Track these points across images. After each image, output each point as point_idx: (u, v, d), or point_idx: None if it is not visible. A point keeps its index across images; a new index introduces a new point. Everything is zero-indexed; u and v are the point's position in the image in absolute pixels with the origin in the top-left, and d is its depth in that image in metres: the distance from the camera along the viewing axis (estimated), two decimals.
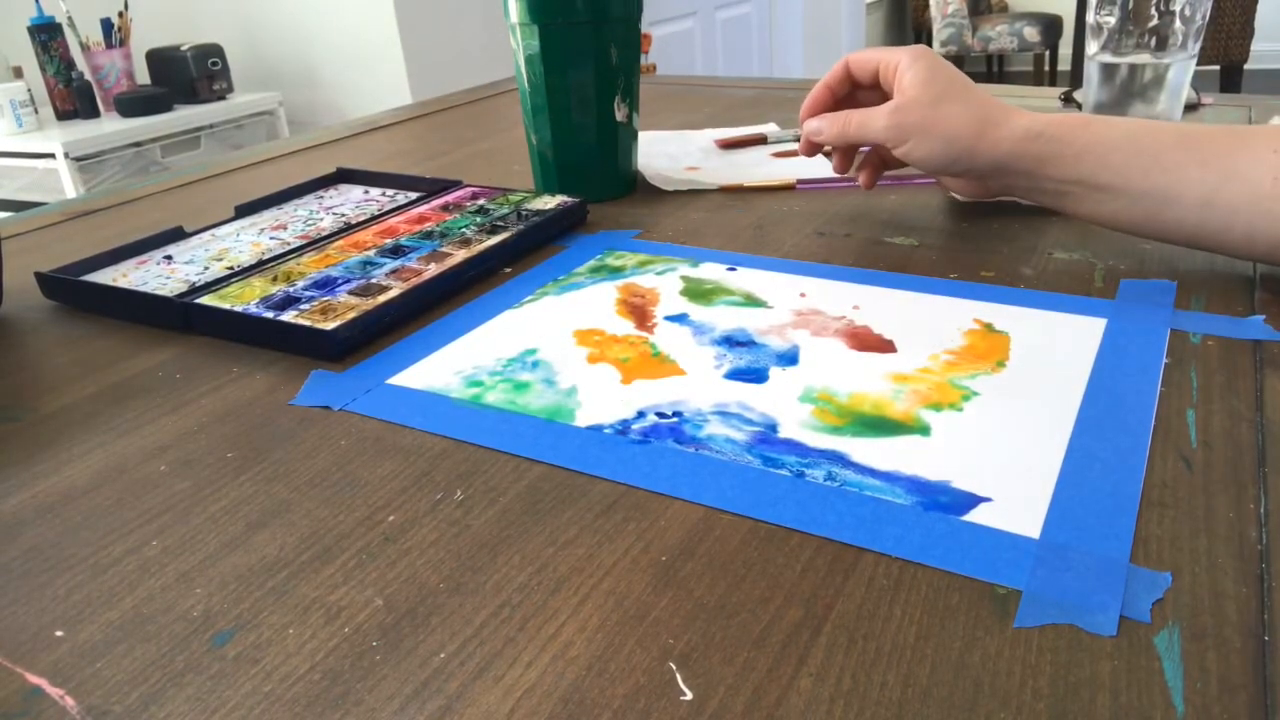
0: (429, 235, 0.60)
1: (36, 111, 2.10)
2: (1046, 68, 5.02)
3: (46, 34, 2.11)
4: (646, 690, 0.26)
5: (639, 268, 0.55)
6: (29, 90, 2.09)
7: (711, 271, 0.54)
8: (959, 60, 5.38)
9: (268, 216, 0.66)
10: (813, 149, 0.61)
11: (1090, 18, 0.67)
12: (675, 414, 0.39)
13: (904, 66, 0.54)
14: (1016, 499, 0.33)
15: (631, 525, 0.33)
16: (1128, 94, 0.66)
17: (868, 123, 0.55)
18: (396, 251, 0.58)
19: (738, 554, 0.31)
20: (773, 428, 0.38)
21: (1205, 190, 0.47)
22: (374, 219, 0.64)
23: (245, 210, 0.67)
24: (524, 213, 0.62)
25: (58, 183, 1.98)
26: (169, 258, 0.59)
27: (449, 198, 0.68)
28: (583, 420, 0.39)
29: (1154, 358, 0.41)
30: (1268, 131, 0.48)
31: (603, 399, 0.41)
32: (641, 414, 0.39)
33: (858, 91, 0.59)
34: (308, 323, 0.48)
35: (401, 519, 0.34)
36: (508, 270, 0.56)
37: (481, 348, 0.46)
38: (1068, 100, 0.84)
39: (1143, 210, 0.49)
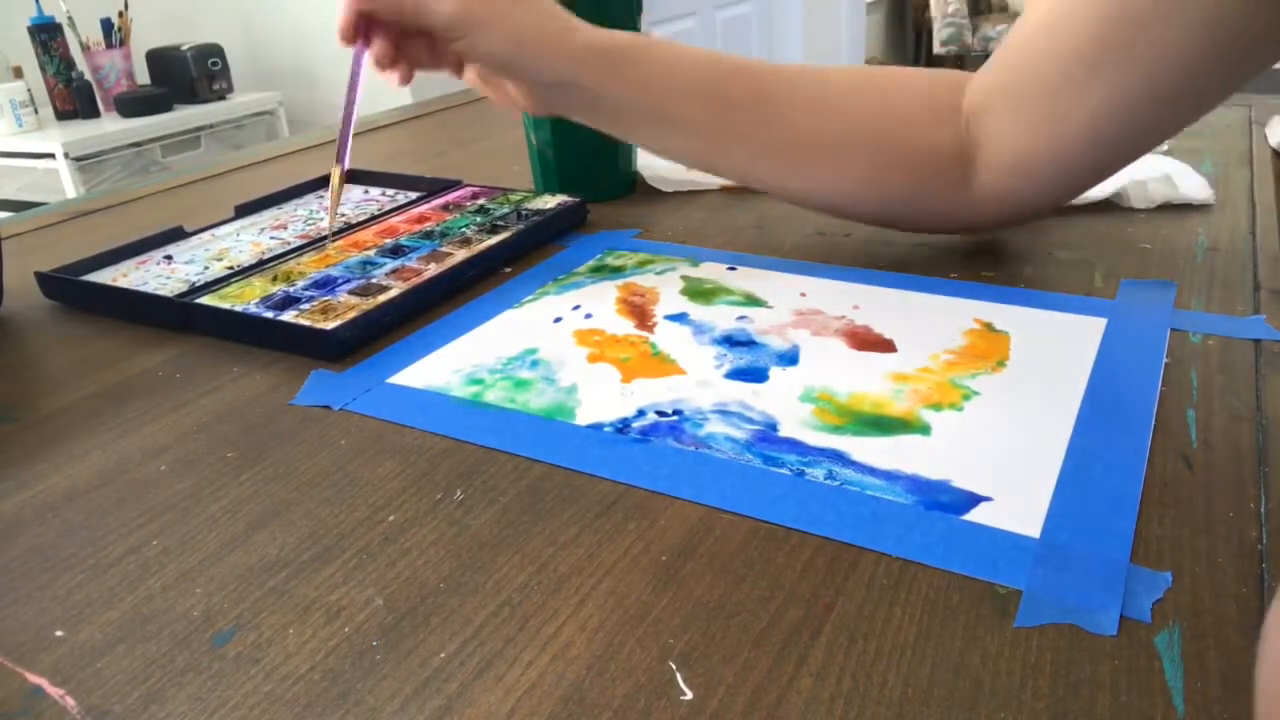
0: (429, 235, 0.60)
1: (36, 111, 2.10)
2: None
3: (46, 34, 2.11)
4: (647, 690, 0.26)
5: (639, 267, 0.55)
6: (29, 90, 2.09)
7: (712, 271, 0.54)
8: (959, 60, 5.39)
9: (268, 216, 0.66)
10: (355, 28, 0.50)
11: None
12: (675, 413, 0.39)
13: None
14: (1017, 498, 0.33)
15: (631, 525, 0.33)
16: None
17: (427, 4, 0.48)
18: (396, 251, 0.58)
19: (738, 554, 0.31)
20: (773, 426, 0.38)
21: (748, 131, 0.50)
22: (374, 219, 0.64)
23: (245, 210, 0.67)
24: (524, 212, 0.62)
25: (58, 183, 1.98)
26: (169, 258, 0.59)
27: (449, 197, 0.68)
28: (583, 419, 0.39)
29: (1154, 357, 0.41)
30: (813, 77, 0.51)
31: (603, 398, 0.41)
32: (641, 413, 0.39)
33: None
34: (308, 322, 0.48)
35: (401, 519, 0.34)
36: (508, 270, 0.56)
37: (482, 347, 0.46)
38: None
39: (699, 145, 0.52)
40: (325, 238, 0.60)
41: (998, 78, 0.48)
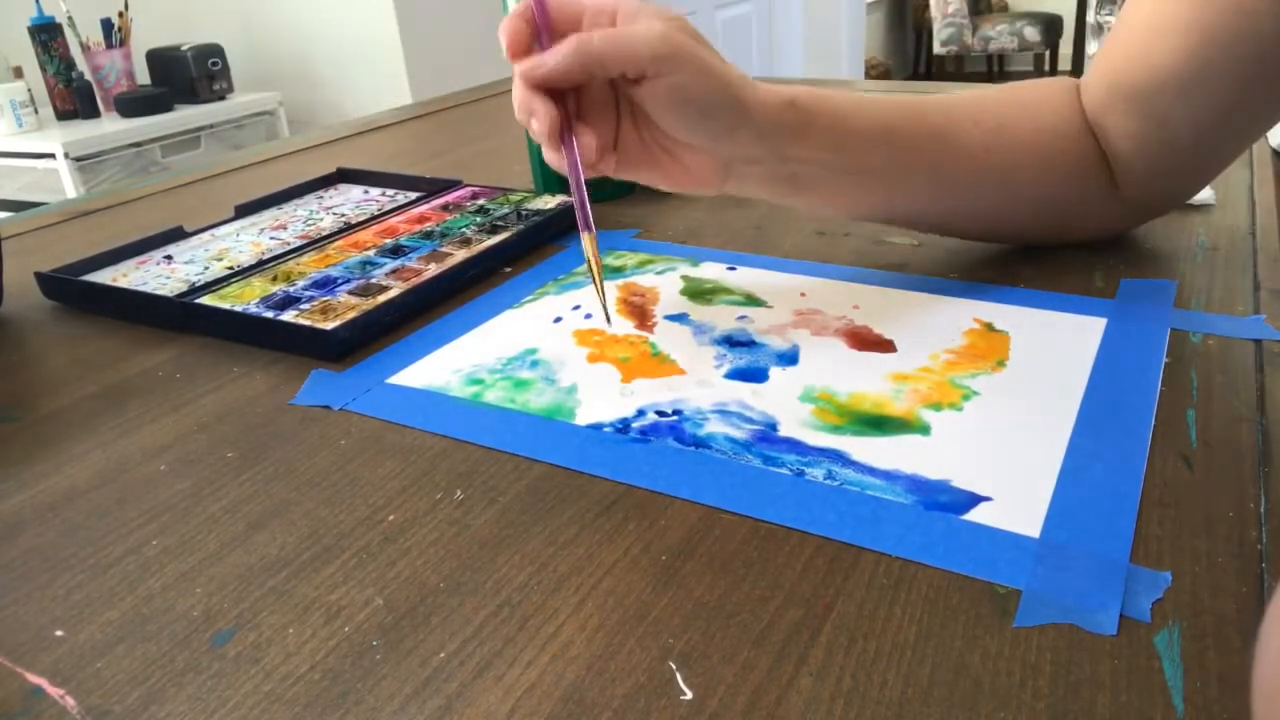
0: (429, 235, 0.60)
1: (36, 111, 2.10)
2: (1047, 67, 5.03)
3: (46, 34, 2.11)
4: (646, 690, 0.26)
5: (639, 267, 0.55)
6: (29, 90, 2.09)
7: (711, 271, 0.54)
8: (959, 60, 5.39)
9: (268, 216, 0.66)
10: (560, 129, 0.42)
11: (1090, 17, 0.67)
12: (675, 413, 0.39)
13: (633, 10, 0.43)
14: (1016, 498, 0.33)
15: (631, 525, 0.33)
16: None
17: (626, 39, 0.41)
18: (396, 251, 0.58)
19: (738, 553, 0.31)
20: (773, 426, 0.38)
21: (931, 165, 0.49)
22: (374, 219, 0.64)
23: (245, 210, 0.67)
24: (524, 213, 0.62)
25: (58, 183, 1.98)
26: (169, 258, 0.59)
27: (449, 198, 0.68)
28: (583, 419, 0.39)
29: (1154, 357, 0.41)
30: (964, 102, 0.50)
31: (603, 398, 0.41)
32: (641, 412, 0.39)
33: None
34: (308, 322, 0.48)
35: (401, 519, 0.34)
36: (508, 270, 0.56)
37: (481, 347, 0.46)
38: None
39: (882, 192, 0.49)
40: (329, 235, 0.60)
41: (1109, 86, 0.49)
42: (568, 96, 0.43)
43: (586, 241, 0.44)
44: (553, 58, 0.41)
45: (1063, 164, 0.50)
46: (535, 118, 0.42)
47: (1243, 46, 0.44)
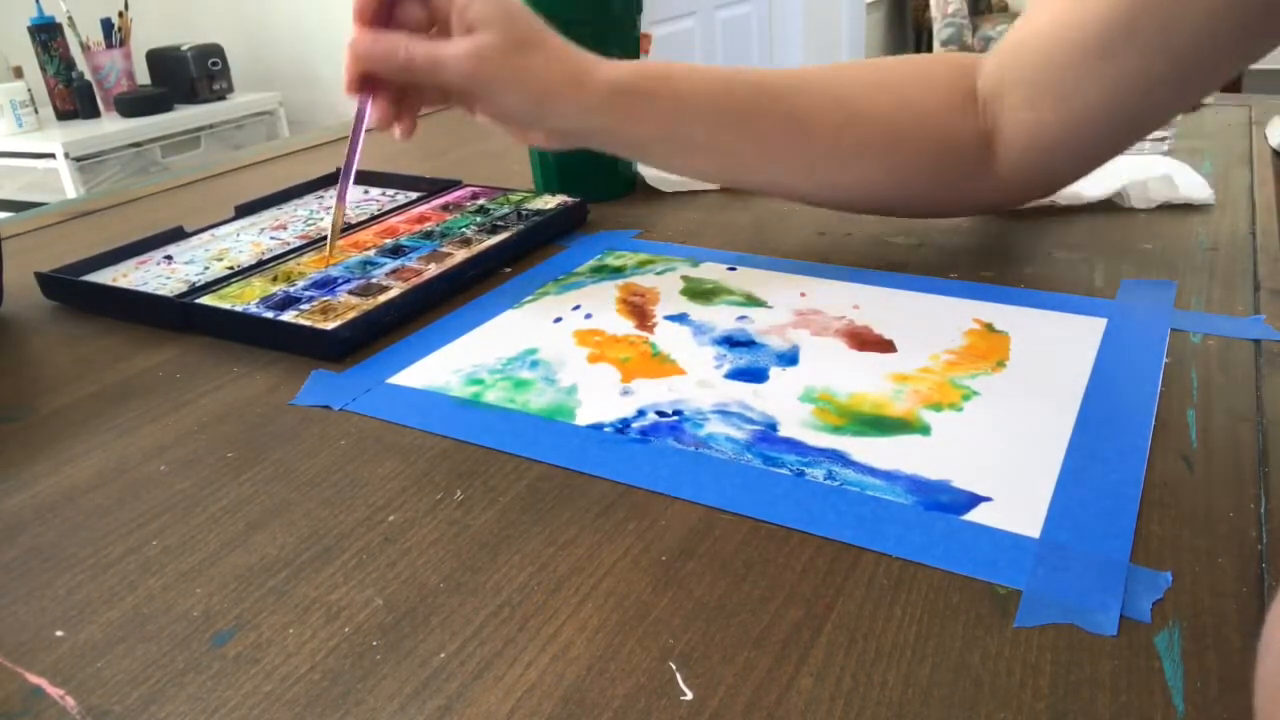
0: (429, 235, 0.60)
1: (36, 111, 2.10)
2: None
3: (46, 34, 2.11)
4: (647, 690, 0.26)
5: (639, 267, 0.55)
6: (29, 90, 2.09)
7: (712, 271, 0.54)
8: None
9: (268, 216, 0.66)
10: (362, 83, 0.48)
11: None
12: (675, 413, 0.39)
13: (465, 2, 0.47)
14: (1017, 498, 0.33)
15: (631, 525, 0.33)
16: None
17: (440, 63, 0.46)
18: (396, 251, 0.58)
19: (738, 554, 0.31)
20: (773, 427, 0.38)
21: (778, 145, 0.50)
22: (374, 219, 0.64)
23: (245, 210, 0.67)
24: (524, 212, 0.62)
25: (58, 182, 1.98)
26: (169, 258, 0.59)
27: (449, 197, 0.68)
28: (583, 419, 0.39)
29: (1154, 357, 0.41)
30: (829, 80, 0.51)
31: (603, 398, 0.41)
32: (641, 413, 0.39)
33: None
34: (308, 323, 0.48)
35: (401, 519, 0.34)
36: (508, 270, 0.56)
37: (482, 347, 0.46)
38: None
39: (724, 164, 0.52)
40: (324, 248, 0.60)
41: (1011, 62, 0.49)
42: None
43: (337, 211, 0.51)
44: (379, 60, 0.47)
45: (922, 144, 0.50)
46: (348, 67, 0.48)
47: (1168, 14, 0.42)
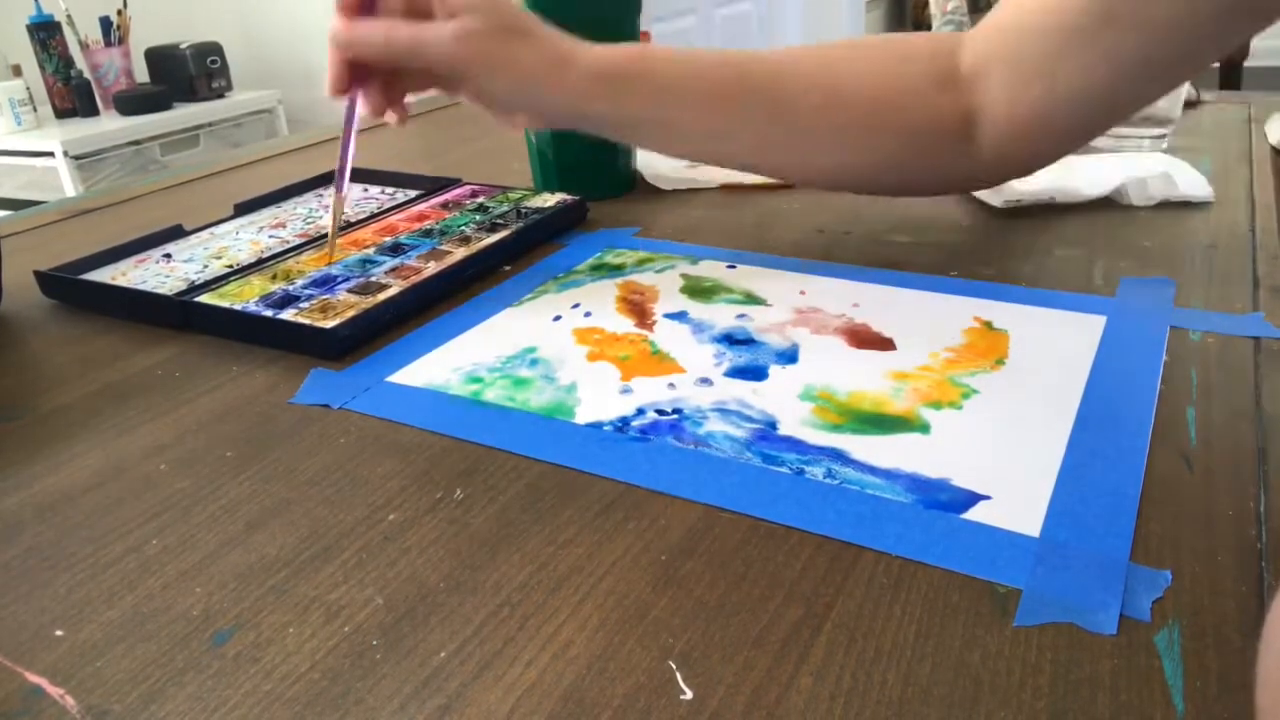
0: (428, 233, 0.60)
1: (35, 110, 2.10)
2: None
3: (45, 32, 2.11)
4: (646, 689, 0.26)
5: (639, 265, 0.55)
6: (28, 88, 2.08)
7: (711, 269, 0.54)
8: None
9: (267, 215, 0.66)
10: (347, 79, 0.48)
11: None
12: (675, 411, 0.39)
13: None
14: (1016, 497, 0.33)
15: (631, 524, 0.33)
16: None
17: (424, 44, 0.47)
18: (396, 249, 0.58)
19: (738, 552, 0.31)
20: (772, 425, 0.38)
21: (759, 125, 0.51)
22: (373, 217, 0.64)
23: (245, 208, 0.67)
24: (523, 211, 0.62)
25: (57, 181, 1.98)
26: (168, 256, 0.59)
27: (448, 196, 0.68)
28: (582, 417, 0.39)
29: (1154, 355, 0.41)
30: (809, 61, 0.51)
31: (602, 396, 0.41)
32: (641, 411, 0.39)
33: None
34: (307, 321, 0.48)
35: (401, 518, 0.34)
36: (507, 268, 0.56)
37: (481, 345, 0.46)
38: None
39: (708, 145, 0.53)
40: (324, 247, 0.60)
41: (993, 41, 0.49)
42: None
43: (335, 201, 0.51)
44: (363, 43, 0.47)
45: (902, 123, 0.50)
46: (330, 67, 0.48)
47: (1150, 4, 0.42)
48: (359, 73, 0.49)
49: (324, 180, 0.73)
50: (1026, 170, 0.54)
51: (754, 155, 0.54)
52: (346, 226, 0.62)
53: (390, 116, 0.51)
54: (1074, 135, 0.50)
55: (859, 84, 0.50)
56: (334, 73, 0.48)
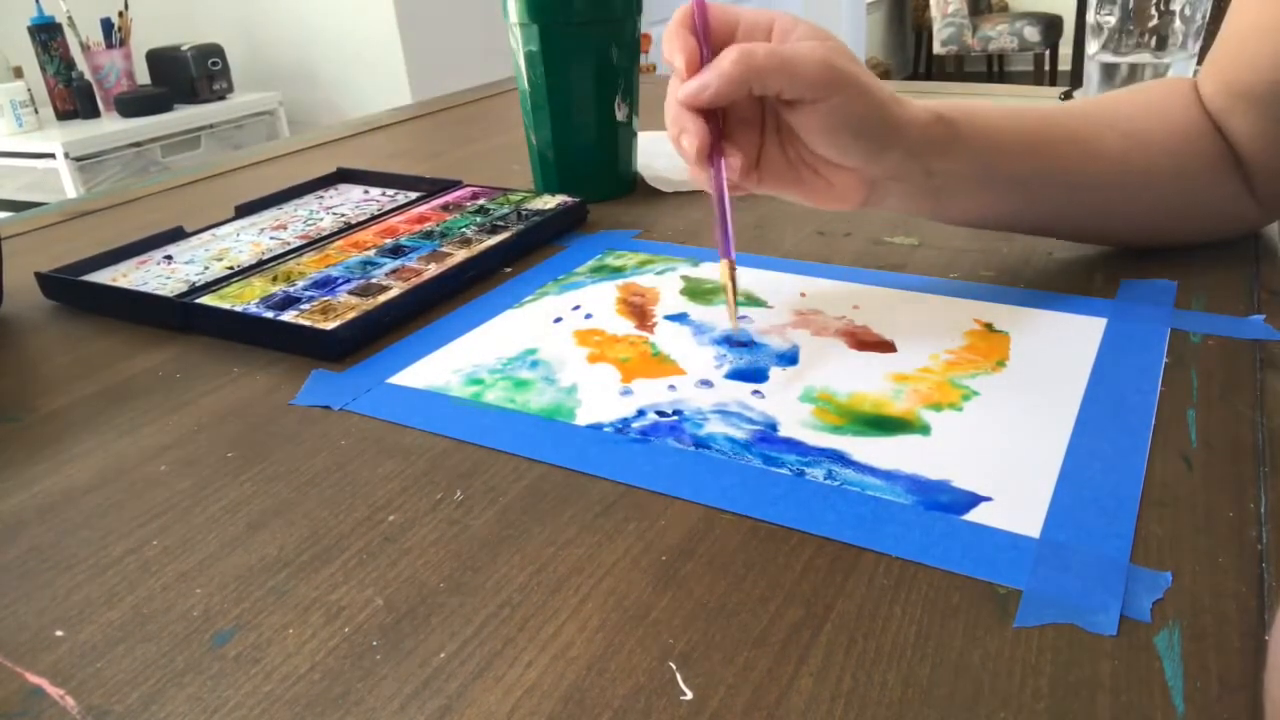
0: (429, 235, 0.60)
1: (36, 111, 2.10)
2: (1047, 67, 5.02)
3: (46, 34, 2.11)
4: (647, 690, 0.26)
5: (639, 267, 0.55)
6: (29, 90, 2.09)
7: (711, 271, 0.54)
8: (959, 60, 5.39)
9: (268, 216, 0.66)
10: (706, 133, 0.42)
11: (1090, 17, 0.67)
12: (675, 413, 0.39)
13: (789, 26, 0.43)
14: (1017, 498, 0.33)
15: (631, 525, 0.33)
16: None
17: (790, 59, 0.40)
18: (396, 251, 0.58)
19: (738, 553, 0.31)
20: (773, 426, 0.38)
21: (1073, 172, 0.49)
22: (374, 219, 0.64)
23: (245, 210, 0.67)
24: (524, 212, 0.62)
25: (58, 182, 1.98)
26: (169, 258, 0.59)
27: (449, 197, 0.68)
28: (583, 419, 0.39)
29: (1154, 357, 0.41)
30: (1098, 107, 0.50)
31: (603, 398, 0.41)
32: (641, 413, 0.39)
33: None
34: (308, 322, 0.48)
35: (402, 519, 0.34)
36: (508, 270, 0.56)
37: (482, 347, 0.46)
38: (1067, 99, 0.84)
39: (1022, 201, 0.49)
40: (329, 235, 0.60)
41: (1227, 76, 0.48)
42: (717, 112, 0.43)
43: (724, 269, 0.44)
44: (718, 78, 0.41)
45: (1197, 164, 0.49)
46: (686, 136, 0.42)
47: None
48: (716, 136, 0.43)
49: (325, 182, 0.73)
50: None
51: (1058, 205, 0.49)
52: (348, 229, 0.62)
53: (753, 180, 0.45)
54: None
55: (1152, 126, 0.49)
56: (697, 137, 0.42)
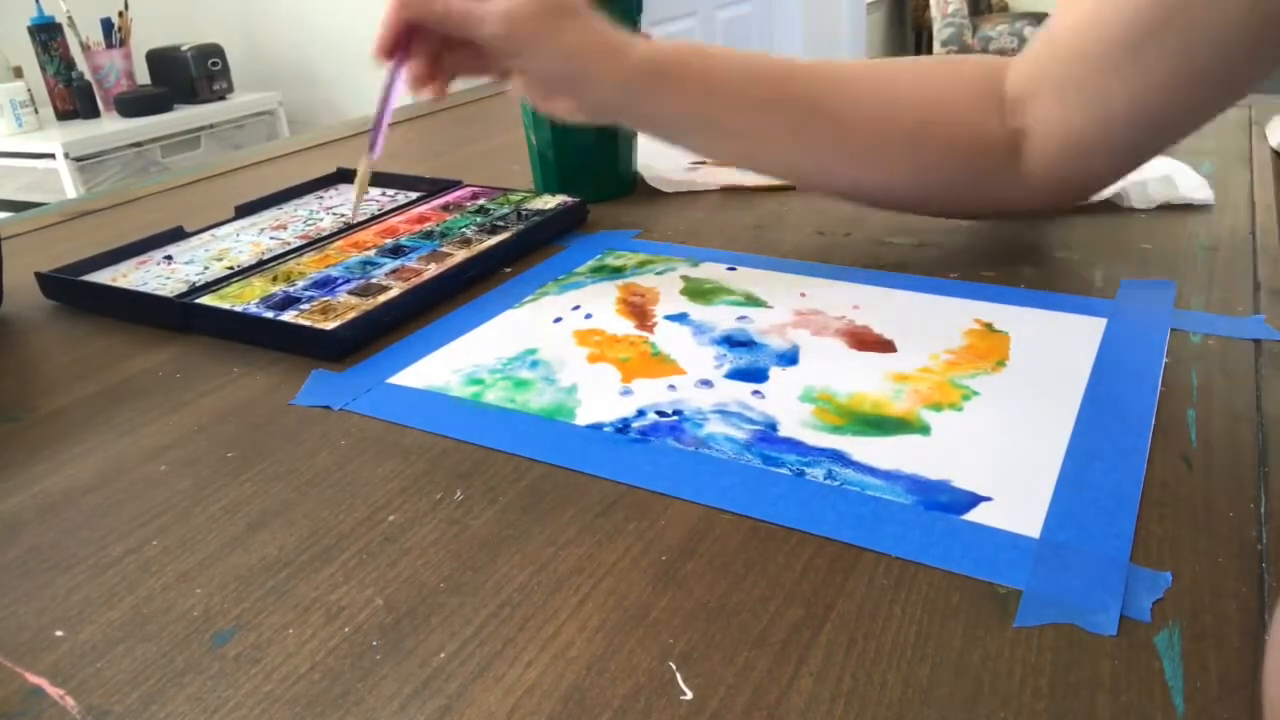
0: (429, 235, 0.60)
1: (36, 111, 2.10)
2: None
3: (46, 34, 2.11)
4: (647, 690, 0.26)
5: (639, 267, 0.55)
6: (29, 90, 2.09)
7: (711, 271, 0.54)
8: None
9: (268, 216, 0.66)
10: (394, 44, 0.49)
11: None
12: (675, 413, 0.39)
13: None
14: (1017, 498, 0.33)
15: (631, 525, 0.33)
16: None
17: (477, 17, 0.47)
18: (396, 251, 0.58)
19: (738, 553, 0.31)
20: (773, 426, 0.38)
21: (796, 137, 0.51)
22: (374, 219, 0.64)
23: (245, 210, 0.67)
24: (524, 212, 0.62)
25: (58, 183, 1.98)
26: (169, 258, 0.59)
27: (449, 198, 0.68)
28: (583, 419, 0.39)
29: (1154, 357, 0.41)
30: (854, 75, 0.51)
31: (603, 398, 0.41)
32: (641, 413, 0.39)
33: None
34: (308, 323, 0.48)
35: (401, 519, 0.34)
36: (508, 270, 0.56)
37: (482, 347, 0.46)
38: None
39: (748, 148, 0.52)
40: (329, 235, 0.60)
41: (1041, 64, 0.49)
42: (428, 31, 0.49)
43: (363, 162, 0.51)
44: (423, 5, 0.48)
45: (947, 141, 0.50)
46: (379, 30, 0.49)
47: (1198, 10, 0.42)
48: (409, 40, 0.49)
49: (325, 182, 0.73)
50: (1079, 195, 0.54)
51: (793, 163, 0.53)
52: (347, 229, 0.62)
53: (429, 91, 0.51)
54: (1125, 158, 0.50)
55: (904, 98, 0.50)
56: (386, 33, 0.48)
